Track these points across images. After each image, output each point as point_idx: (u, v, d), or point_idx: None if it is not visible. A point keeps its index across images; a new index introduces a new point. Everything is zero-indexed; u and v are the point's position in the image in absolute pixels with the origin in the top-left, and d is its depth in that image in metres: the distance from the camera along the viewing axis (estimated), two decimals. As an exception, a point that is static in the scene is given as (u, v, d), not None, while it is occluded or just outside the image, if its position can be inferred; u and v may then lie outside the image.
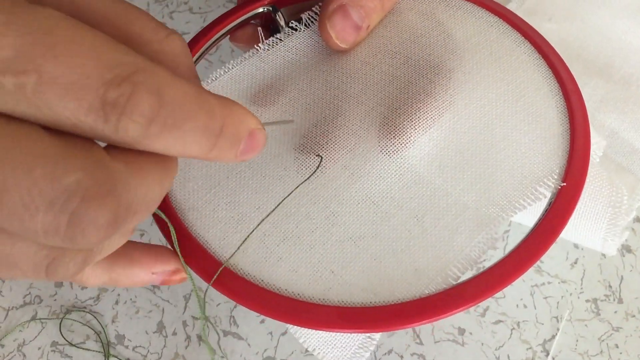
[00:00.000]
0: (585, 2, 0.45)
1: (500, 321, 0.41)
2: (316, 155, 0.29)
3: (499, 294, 0.41)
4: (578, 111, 0.30)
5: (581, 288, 0.42)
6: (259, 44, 0.34)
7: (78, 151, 0.18)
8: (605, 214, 0.35)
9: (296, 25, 0.35)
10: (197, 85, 0.20)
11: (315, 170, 0.29)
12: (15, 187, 0.17)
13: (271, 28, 0.37)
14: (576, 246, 0.43)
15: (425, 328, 0.40)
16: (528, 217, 0.36)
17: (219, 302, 0.41)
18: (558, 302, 0.41)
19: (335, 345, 0.28)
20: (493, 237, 0.27)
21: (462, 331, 0.40)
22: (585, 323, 0.41)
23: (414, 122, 0.29)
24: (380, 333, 0.29)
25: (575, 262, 0.43)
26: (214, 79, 0.33)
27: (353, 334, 0.28)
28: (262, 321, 0.41)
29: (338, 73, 0.33)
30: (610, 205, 0.34)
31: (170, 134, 0.19)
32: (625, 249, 0.43)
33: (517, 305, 0.41)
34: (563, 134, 0.30)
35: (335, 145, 0.30)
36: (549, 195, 0.28)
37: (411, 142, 0.29)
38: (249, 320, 0.41)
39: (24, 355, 0.40)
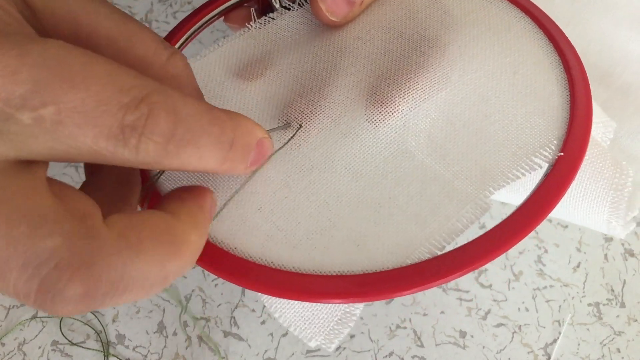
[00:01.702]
0: (587, 9, 0.44)
1: (502, 324, 0.41)
2: (297, 124, 0.29)
3: (500, 297, 0.41)
4: (579, 84, 0.30)
5: (583, 292, 0.42)
6: (251, 23, 0.34)
7: (70, 214, 0.17)
8: (607, 197, 0.34)
9: (289, 5, 0.35)
10: (205, 102, 0.21)
11: (292, 137, 0.28)
12: None
13: (266, 10, 0.37)
14: (579, 250, 0.43)
15: (426, 331, 0.40)
16: (518, 196, 0.36)
17: (220, 303, 0.41)
18: (560, 306, 0.41)
19: (312, 321, 0.27)
20: (482, 207, 0.26)
21: (463, 334, 0.40)
22: (587, 327, 0.40)
23: (403, 92, 0.29)
24: (360, 309, 0.27)
25: (578, 266, 0.42)
26: (202, 56, 0.33)
27: (332, 308, 0.27)
28: (263, 322, 0.41)
29: (329, 47, 0.32)
30: (613, 187, 0.33)
31: (187, 150, 0.19)
32: (628, 252, 0.43)
33: (518, 309, 0.41)
34: (563, 105, 0.29)
35: (320, 115, 0.29)
36: (545, 166, 0.27)
37: (399, 111, 0.28)
38: (250, 321, 0.41)
39: (25, 354, 0.40)
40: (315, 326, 0.27)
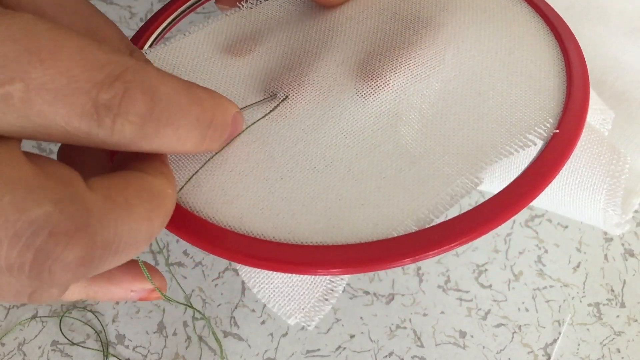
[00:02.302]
0: (582, 17, 0.44)
1: (502, 324, 0.41)
2: (284, 96, 0.28)
3: (500, 297, 0.41)
4: (576, 65, 0.30)
5: (583, 292, 0.42)
6: (242, 2, 0.34)
7: (54, 181, 0.17)
8: (603, 184, 0.33)
9: None
10: (183, 80, 0.20)
11: (275, 107, 0.28)
12: None
13: None
14: (579, 250, 0.43)
15: (426, 331, 0.40)
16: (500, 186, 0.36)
17: (220, 303, 0.41)
18: (560, 306, 0.41)
19: (291, 297, 0.26)
20: (473, 182, 0.25)
21: (463, 334, 0.40)
22: (587, 327, 0.40)
23: (395, 66, 0.29)
24: (343, 285, 0.26)
25: (578, 266, 0.42)
26: (190, 32, 0.32)
27: (312, 283, 0.26)
28: (263, 322, 0.41)
29: (321, 27, 0.32)
30: (609, 174, 0.33)
31: (166, 131, 0.18)
32: (628, 253, 0.43)
33: (518, 309, 0.41)
34: (559, 86, 0.29)
35: (308, 87, 0.29)
36: (540, 144, 0.26)
37: (389, 85, 0.28)
38: (250, 321, 0.41)
39: (24, 354, 0.40)
40: (294, 302, 0.26)
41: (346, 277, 0.26)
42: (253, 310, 0.41)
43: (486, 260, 0.43)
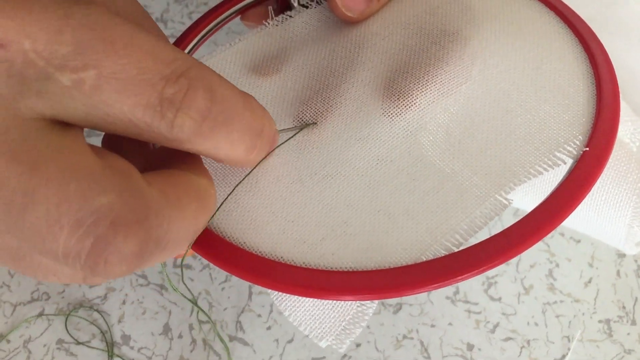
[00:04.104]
0: (602, 29, 0.44)
1: (510, 338, 0.40)
2: (312, 123, 0.28)
3: (510, 311, 0.41)
4: (606, 79, 0.29)
5: (594, 308, 0.41)
6: (268, 20, 0.34)
7: (116, 171, 0.17)
8: (630, 201, 0.33)
9: (308, 3, 0.34)
10: (238, 88, 0.20)
11: (302, 128, 0.28)
12: (45, 199, 0.16)
13: (284, 8, 0.36)
14: (591, 265, 0.42)
15: (433, 342, 0.40)
16: (530, 201, 0.35)
17: (226, 307, 0.41)
18: (570, 322, 0.41)
19: (323, 320, 0.26)
20: (502, 204, 0.25)
21: (470, 347, 0.40)
22: (597, 344, 0.40)
23: (422, 85, 0.28)
24: (373, 308, 0.26)
25: (589, 281, 0.42)
26: (217, 53, 0.32)
27: (343, 307, 0.26)
28: (269, 328, 0.40)
29: (346, 44, 0.32)
30: (636, 193, 0.32)
31: (221, 132, 0.19)
32: (641, 270, 0.42)
33: (527, 323, 0.41)
34: (589, 101, 0.28)
35: (336, 111, 0.29)
36: (569, 162, 0.26)
37: (416, 104, 0.28)
38: (256, 326, 0.40)
39: (30, 352, 0.40)
40: (325, 325, 0.26)
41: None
42: (259, 315, 0.41)
43: (496, 272, 0.42)
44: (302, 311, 0.26)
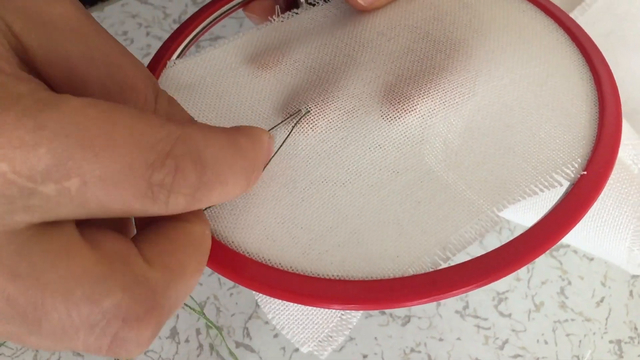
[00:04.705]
0: (620, 45, 0.43)
1: (519, 355, 0.40)
2: (306, 110, 0.28)
3: (520, 327, 0.40)
4: (610, 101, 0.28)
5: (605, 328, 0.40)
6: (274, 16, 0.33)
7: (116, 263, 0.18)
8: (630, 225, 0.32)
9: (315, 1, 0.34)
10: (222, 130, 0.20)
11: (296, 123, 0.27)
12: (55, 310, 0.16)
13: (290, 5, 0.36)
14: (603, 284, 0.42)
15: (441, 356, 0.40)
16: (531, 218, 0.35)
17: (234, 313, 0.41)
18: (580, 341, 0.40)
19: (306, 325, 0.26)
20: (493, 220, 0.25)
21: (478, 363, 0.39)
22: (608, 365, 0.39)
23: (423, 92, 0.28)
24: (357, 317, 0.26)
25: (602, 301, 0.41)
26: (220, 45, 0.32)
27: (327, 314, 0.26)
28: (276, 335, 0.40)
29: (351, 41, 0.31)
30: (637, 216, 0.32)
31: (215, 191, 0.19)
32: (655, 291, 0.42)
33: (537, 341, 0.40)
34: (590, 123, 0.28)
35: (332, 104, 0.28)
36: (566, 184, 0.26)
37: (416, 111, 0.27)
38: (263, 333, 0.40)
39: (37, 350, 0.40)
40: (308, 331, 0.26)
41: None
42: (267, 323, 0.41)
43: (507, 288, 0.42)
44: (285, 315, 0.26)
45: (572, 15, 0.45)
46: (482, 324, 0.41)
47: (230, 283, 0.42)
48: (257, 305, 0.41)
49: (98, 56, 0.20)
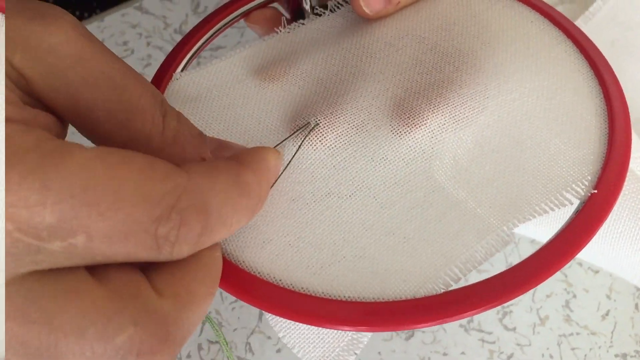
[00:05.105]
0: (625, 54, 0.43)
1: (524, 370, 0.39)
2: (314, 124, 0.27)
3: (524, 341, 0.40)
4: (619, 117, 0.28)
5: (611, 342, 0.40)
6: (279, 27, 0.33)
7: (126, 297, 0.18)
8: None
9: (321, 12, 0.34)
10: (227, 165, 0.20)
11: (305, 136, 0.27)
12: (69, 351, 0.17)
13: (295, 14, 0.36)
14: (609, 297, 0.41)
15: (445, 371, 0.39)
16: (545, 233, 0.35)
17: (235, 327, 0.40)
18: (586, 355, 0.40)
19: (317, 344, 0.26)
20: (504, 240, 0.24)
21: (483, 377, 0.39)
22: (614, 379, 0.39)
23: (433, 106, 0.27)
24: (368, 337, 0.26)
25: (607, 314, 0.41)
26: (227, 57, 0.32)
27: (338, 333, 0.26)
28: (279, 350, 0.40)
29: (358, 51, 0.31)
30: None
31: (220, 233, 0.19)
32: (660, 304, 0.41)
33: (542, 355, 0.40)
34: (600, 139, 0.27)
35: (341, 117, 0.27)
36: (576, 202, 0.25)
37: (426, 126, 0.27)
38: (265, 348, 0.40)
39: None
40: (319, 350, 0.26)
41: None
42: (269, 338, 0.40)
43: (511, 301, 0.41)
44: (297, 334, 0.26)
45: (576, 23, 0.45)
46: (487, 338, 0.40)
47: (232, 297, 0.41)
48: (260, 320, 0.41)
49: (101, 81, 0.20)
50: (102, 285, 0.18)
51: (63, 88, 0.20)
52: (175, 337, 0.18)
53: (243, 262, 0.25)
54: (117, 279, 0.18)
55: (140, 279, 0.19)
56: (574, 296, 0.41)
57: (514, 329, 0.40)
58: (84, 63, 0.20)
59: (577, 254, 0.24)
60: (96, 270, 0.18)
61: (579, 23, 0.44)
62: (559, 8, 0.46)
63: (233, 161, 0.21)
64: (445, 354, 0.40)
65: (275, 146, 0.26)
